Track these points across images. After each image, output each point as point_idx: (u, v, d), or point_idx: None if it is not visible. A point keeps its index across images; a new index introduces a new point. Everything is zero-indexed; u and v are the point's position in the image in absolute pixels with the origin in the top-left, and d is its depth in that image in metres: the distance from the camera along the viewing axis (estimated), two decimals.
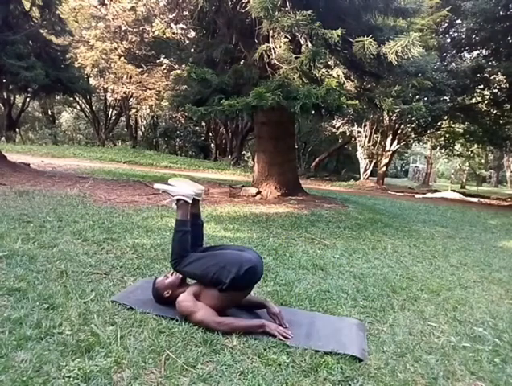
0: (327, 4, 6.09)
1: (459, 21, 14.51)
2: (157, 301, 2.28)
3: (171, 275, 2.31)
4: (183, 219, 2.32)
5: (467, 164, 31.87)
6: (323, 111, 7.07)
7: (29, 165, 9.04)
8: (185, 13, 12.71)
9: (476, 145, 22.37)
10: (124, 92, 18.61)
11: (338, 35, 5.35)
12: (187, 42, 15.39)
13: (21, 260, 2.72)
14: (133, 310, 2.17)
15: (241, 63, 7.31)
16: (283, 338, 2.02)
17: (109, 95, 21.83)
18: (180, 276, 2.29)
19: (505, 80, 14.46)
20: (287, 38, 6.02)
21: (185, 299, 2.12)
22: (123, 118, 24.98)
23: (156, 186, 2.49)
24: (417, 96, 12.57)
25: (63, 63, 8.85)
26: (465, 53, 15.65)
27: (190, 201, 2.34)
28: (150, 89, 18.48)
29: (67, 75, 8.60)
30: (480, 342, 2.29)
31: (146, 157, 17.95)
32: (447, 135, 19.88)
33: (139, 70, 18.22)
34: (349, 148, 25.47)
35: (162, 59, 18.45)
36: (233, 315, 2.19)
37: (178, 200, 2.32)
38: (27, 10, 8.36)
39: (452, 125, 18.71)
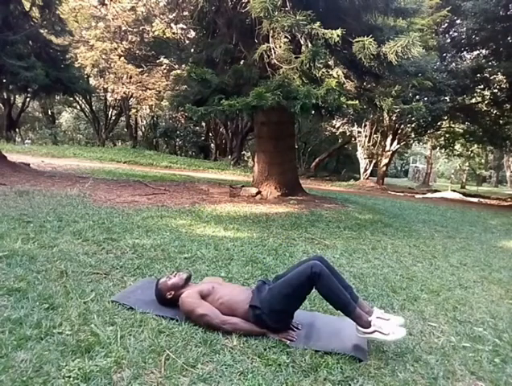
0: (327, 4, 6.10)
1: (459, 21, 14.49)
2: (159, 303, 2.26)
3: (174, 276, 2.28)
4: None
5: (467, 164, 31.88)
6: (323, 111, 7.07)
7: (29, 165, 9.04)
8: (185, 13, 12.70)
9: (476, 145, 22.39)
10: (124, 92, 18.60)
11: (338, 35, 5.36)
12: (187, 42, 15.39)
13: (21, 260, 2.72)
14: (133, 310, 2.17)
15: (241, 63, 7.31)
16: (287, 341, 2.01)
17: (109, 95, 21.83)
18: (183, 277, 2.26)
19: (505, 80, 14.46)
20: (287, 38, 6.01)
21: (190, 295, 2.11)
22: (123, 118, 24.97)
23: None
24: (417, 96, 12.61)
25: (63, 63, 8.84)
26: (465, 53, 15.63)
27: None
28: (150, 89, 18.47)
29: (67, 75, 8.60)
30: (480, 342, 2.29)
31: (146, 157, 17.95)
32: (447, 135, 19.89)
33: (139, 70, 18.21)
34: (349, 148, 25.46)
35: (162, 59, 18.42)
36: None
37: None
38: (27, 10, 8.35)
39: (452, 125, 18.71)
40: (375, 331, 1.99)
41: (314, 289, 2.06)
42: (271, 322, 2.04)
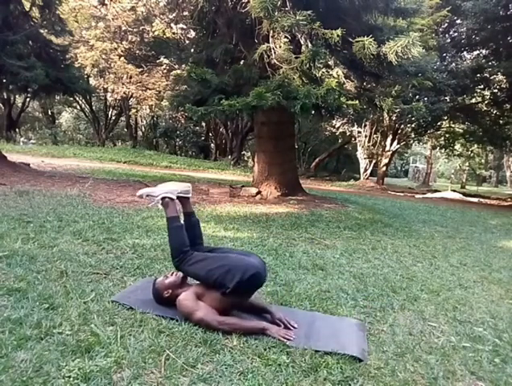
0: (327, 4, 6.10)
1: (459, 21, 14.50)
2: (157, 302, 2.28)
3: (171, 275, 2.30)
4: (172, 215, 2.38)
5: (467, 164, 31.89)
6: (323, 111, 7.07)
7: (29, 165, 9.04)
8: (185, 13, 12.67)
9: (476, 145, 22.39)
10: (124, 92, 18.61)
11: (338, 35, 5.36)
12: (187, 42, 15.38)
13: (21, 260, 2.72)
14: (133, 310, 2.17)
15: (241, 63, 7.31)
16: (285, 340, 2.01)
17: (109, 95, 21.84)
18: (180, 275, 2.28)
19: (505, 80, 14.46)
20: (287, 38, 6.02)
21: (186, 298, 2.12)
22: (123, 118, 24.98)
23: (139, 193, 2.49)
24: (417, 96, 12.60)
25: (63, 63, 8.85)
26: (465, 53, 15.64)
27: (174, 197, 2.40)
28: (150, 89, 18.47)
29: (67, 75, 8.60)
30: (480, 342, 2.29)
31: (146, 157, 17.95)
32: (447, 135, 19.89)
33: (139, 70, 18.21)
34: (349, 148, 25.47)
35: (162, 59, 18.41)
36: (237, 316, 2.17)
37: (162, 199, 2.38)
38: (27, 10, 8.35)
39: (452, 125, 18.72)
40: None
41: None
42: (236, 290, 2.07)
